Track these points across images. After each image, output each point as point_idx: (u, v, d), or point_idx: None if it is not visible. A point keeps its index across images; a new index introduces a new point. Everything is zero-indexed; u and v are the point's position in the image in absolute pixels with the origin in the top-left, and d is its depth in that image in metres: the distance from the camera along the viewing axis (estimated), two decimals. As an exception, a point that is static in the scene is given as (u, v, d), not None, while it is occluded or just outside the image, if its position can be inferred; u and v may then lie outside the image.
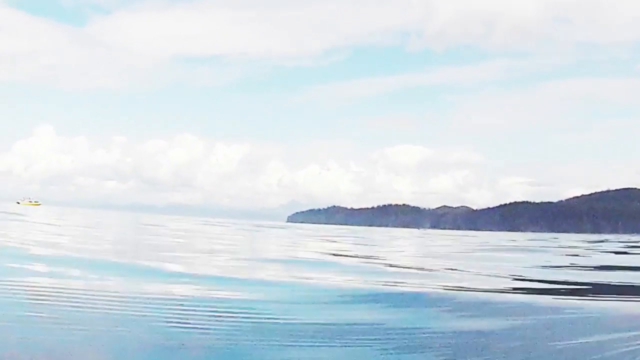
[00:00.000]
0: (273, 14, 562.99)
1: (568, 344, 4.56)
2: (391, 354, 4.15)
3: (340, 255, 15.94)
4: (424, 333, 4.67)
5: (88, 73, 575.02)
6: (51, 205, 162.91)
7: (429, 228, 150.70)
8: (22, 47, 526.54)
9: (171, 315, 4.88)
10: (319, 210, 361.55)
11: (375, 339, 4.45)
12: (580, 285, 9.58)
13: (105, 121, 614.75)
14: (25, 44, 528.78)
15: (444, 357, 4.11)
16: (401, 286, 7.85)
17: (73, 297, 5.38)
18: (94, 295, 5.54)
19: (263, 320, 4.92)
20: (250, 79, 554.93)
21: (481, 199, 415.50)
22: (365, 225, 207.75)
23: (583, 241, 43.87)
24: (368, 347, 4.28)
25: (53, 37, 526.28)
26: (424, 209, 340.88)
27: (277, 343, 4.27)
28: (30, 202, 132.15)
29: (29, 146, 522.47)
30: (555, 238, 57.29)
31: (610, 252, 25.00)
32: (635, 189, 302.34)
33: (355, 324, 4.94)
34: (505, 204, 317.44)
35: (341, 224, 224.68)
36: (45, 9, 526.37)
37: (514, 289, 8.30)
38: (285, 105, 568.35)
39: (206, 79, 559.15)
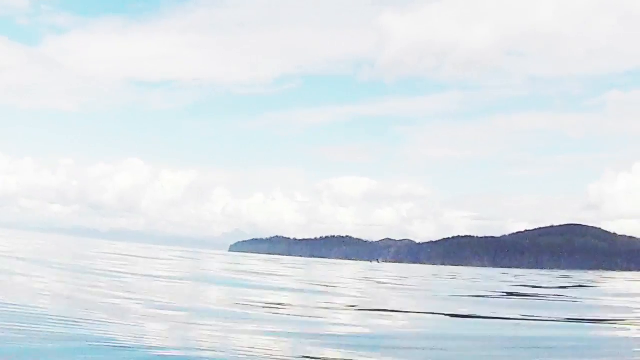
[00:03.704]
0: (227, 40, 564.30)
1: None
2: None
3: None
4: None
5: (39, 93, 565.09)
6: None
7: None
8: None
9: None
10: (262, 239, 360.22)
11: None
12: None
13: (53, 142, 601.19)
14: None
15: None
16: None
17: None
18: None
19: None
20: (201, 105, 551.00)
21: (425, 232, 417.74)
22: (307, 257, 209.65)
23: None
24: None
25: (6, 56, 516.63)
26: (367, 241, 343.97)
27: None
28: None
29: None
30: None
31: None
32: (579, 225, 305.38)
33: None
34: (449, 238, 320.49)
35: (284, 255, 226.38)
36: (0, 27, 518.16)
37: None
38: (234, 132, 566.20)
39: (157, 104, 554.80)
